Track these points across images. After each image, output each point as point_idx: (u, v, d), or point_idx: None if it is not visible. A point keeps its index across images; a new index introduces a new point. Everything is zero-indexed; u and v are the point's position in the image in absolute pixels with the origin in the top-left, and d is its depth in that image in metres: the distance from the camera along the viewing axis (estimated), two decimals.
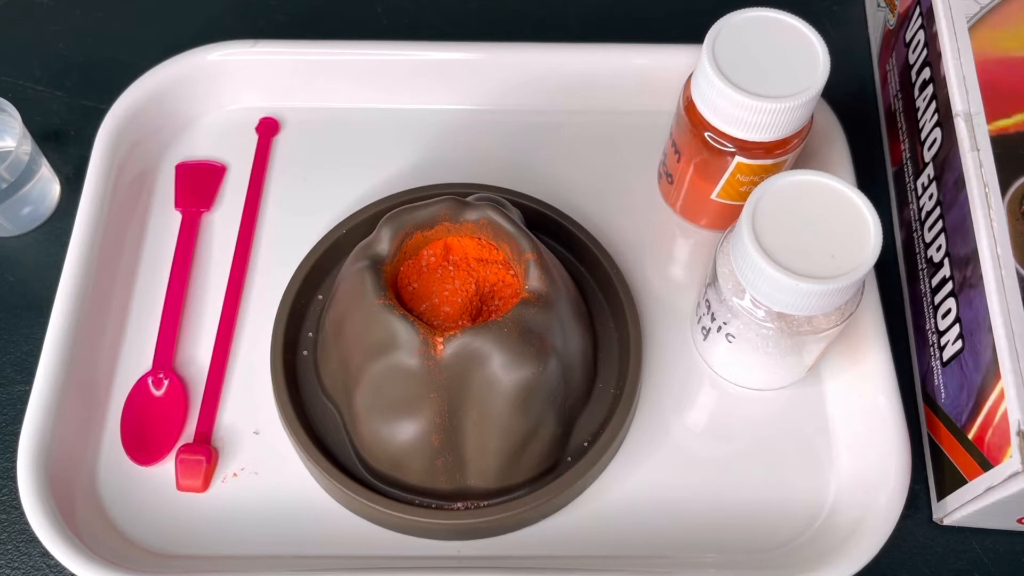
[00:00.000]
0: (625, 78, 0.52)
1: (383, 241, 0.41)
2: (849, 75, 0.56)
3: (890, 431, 0.43)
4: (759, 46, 0.42)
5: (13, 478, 0.42)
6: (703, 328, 0.44)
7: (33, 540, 0.43)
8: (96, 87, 0.54)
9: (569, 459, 0.43)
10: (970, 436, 0.41)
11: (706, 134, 0.43)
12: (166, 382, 0.45)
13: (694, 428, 0.45)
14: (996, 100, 0.43)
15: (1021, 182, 0.41)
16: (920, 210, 0.47)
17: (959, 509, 0.42)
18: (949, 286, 0.43)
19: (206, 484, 0.43)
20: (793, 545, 0.42)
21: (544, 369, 0.40)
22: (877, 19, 0.56)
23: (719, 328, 0.43)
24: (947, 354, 0.43)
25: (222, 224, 0.49)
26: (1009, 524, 0.43)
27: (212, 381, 0.45)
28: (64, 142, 0.53)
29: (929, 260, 0.46)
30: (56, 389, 0.42)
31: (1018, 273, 0.40)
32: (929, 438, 0.45)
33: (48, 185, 0.50)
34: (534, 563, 0.42)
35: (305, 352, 0.45)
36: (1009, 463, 0.38)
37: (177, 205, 0.49)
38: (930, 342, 0.45)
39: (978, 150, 0.42)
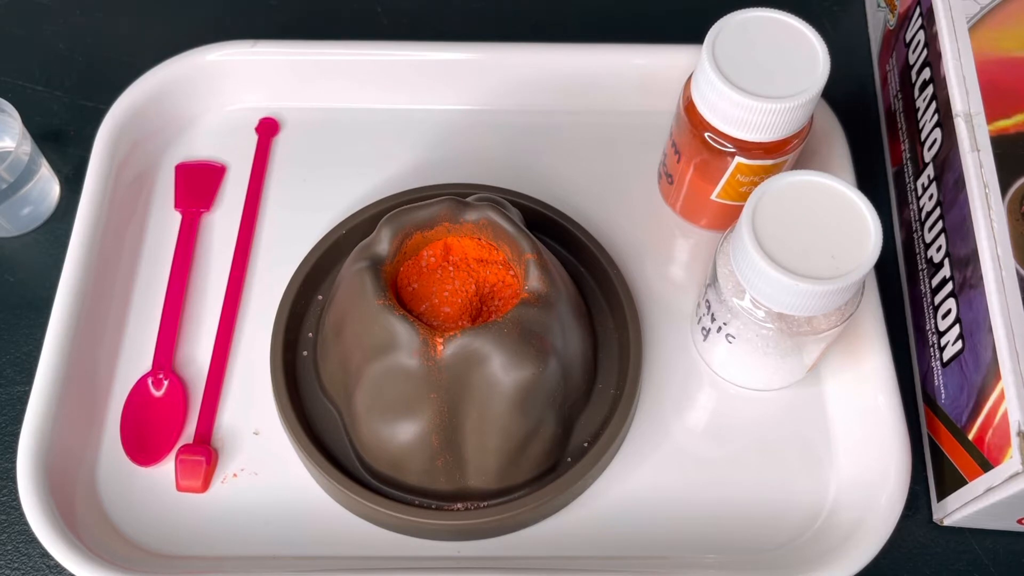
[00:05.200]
0: (625, 78, 0.52)
1: (383, 241, 0.41)
2: (849, 75, 0.56)
3: (890, 431, 0.43)
4: (759, 46, 0.42)
5: (13, 478, 0.42)
6: (703, 328, 0.44)
7: (33, 540, 0.43)
8: (96, 87, 0.54)
9: (569, 459, 0.43)
10: (970, 436, 0.41)
11: (706, 134, 0.43)
12: (166, 382, 0.45)
13: (694, 428, 0.45)
14: (996, 100, 0.43)
15: (1021, 182, 0.41)
16: (920, 210, 0.47)
17: (959, 510, 0.42)
18: (949, 286, 0.43)
19: (206, 485, 0.43)
20: (793, 545, 0.42)
21: (544, 369, 0.40)
22: (877, 19, 0.56)
23: (719, 328, 0.43)
24: (947, 354, 0.43)
25: (222, 224, 0.49)
26: (1009, 524, 0.43)
27: (212, 381, 0.45)
28: (64, 142, 0.53)
29: (929, 260, 0.46)
30: (56, 389, 0.42)
31: (1018, 273, 0.40)
32: (929, 438, 0.45)
33: (48, 185, 0.50)
34: (534, 563, 0.42)
35: (305, 352, 0.45)
36: (1009, 464, 0.38)
37: (177, 205, 0.49)
38: (930, 342, 0.45)
39: (978, 150, 0.42)
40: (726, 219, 0.47)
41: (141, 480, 0.43)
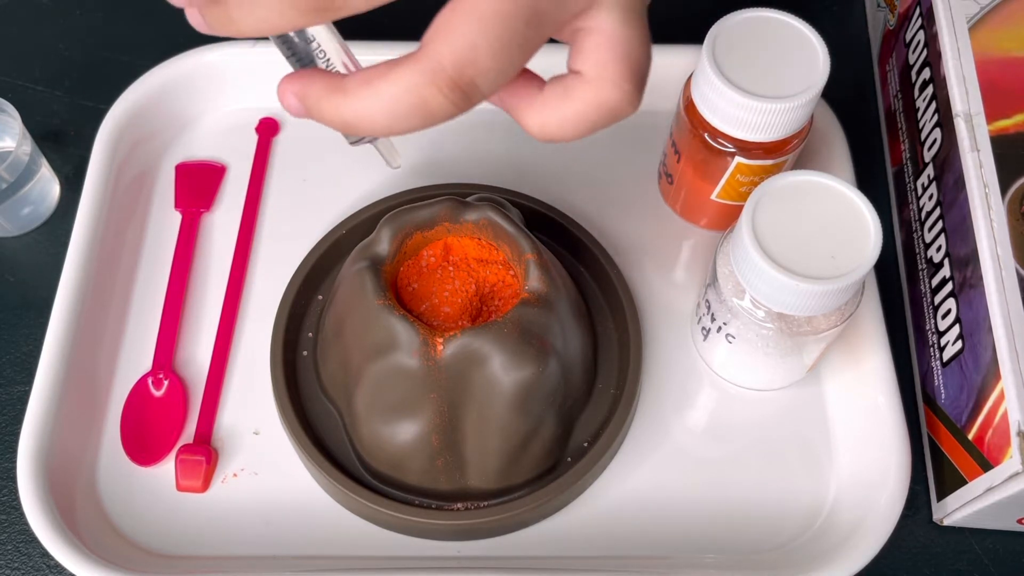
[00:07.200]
0: None
1: (383, 242, 0.41)
2: (849, 75, 0.56)
3: (890, 431, 0.43)
4: (759, 46, 0.42)
5: (13, 478, 0.42)
6: (703, 328, 0.44)
7: (33, 540, 0.43)
8: (96, 87, 0.54)
9: (569, 459, 0.43)
10: (970, 436, 0.41)
11: (706, 134, 0.43)
12: (166, 382, 0.45)
13: (694, 428, 0.45)
14: (996, 100, 0.43)
15: (1021, 182, 0.41)
16: (920, 210, 0.47)
17: (959, 509, 0.42)
18: (949, 286, 0.43)
19: (206, 484, 0.43)
20: (793, 545, 0.42)
21: (544, 369, 0.39)
22: (877, 19, 0.56)
23: (719, 328, 0.43)
24: (947, 354, 0.43)
25: (222, 224, 0.49)
26: (1009, 524, 0.43)
27: (212, 381, 0.45)
28: (64, 142, 0.53)
29: (929, 260, 0.46)
30: (56, 389, 0.42)
31: (1018, 273, 0.40)
32: (929, 438, 0.45)
33: (48, 185, 0.50)
34: (534, 563, 0.42)
35: (305, 352, 0.45)
36: (1009, 463, 0.38)
37: (177, 205, 0.49)
38: (930, 342, 0.45)
39: (978, 150, 0.42)
40: (726, 219, 0.47)
41: (141, 480, 0.43)
